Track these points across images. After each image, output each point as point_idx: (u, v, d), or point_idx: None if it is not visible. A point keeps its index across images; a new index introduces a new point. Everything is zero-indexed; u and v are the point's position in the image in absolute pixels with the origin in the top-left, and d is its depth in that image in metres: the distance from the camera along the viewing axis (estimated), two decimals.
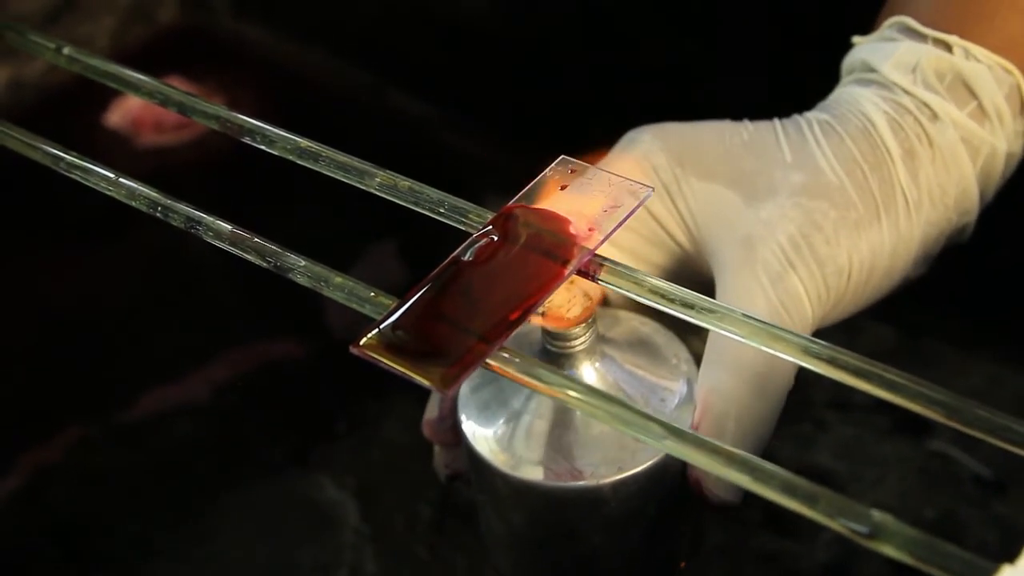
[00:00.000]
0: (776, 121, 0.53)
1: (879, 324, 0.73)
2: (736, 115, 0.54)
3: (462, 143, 0.93)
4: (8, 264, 0.87)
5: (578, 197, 0.42)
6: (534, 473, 0.45)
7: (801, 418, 0.68)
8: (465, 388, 0.48)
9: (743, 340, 0.37)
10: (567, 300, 0.44)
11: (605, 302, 0.54)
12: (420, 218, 0.44)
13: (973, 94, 0.51)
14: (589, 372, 0.46)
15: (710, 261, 0.51)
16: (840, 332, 0.55)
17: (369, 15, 1.00)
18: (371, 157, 0.45)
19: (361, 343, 0.37)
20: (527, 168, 0.44)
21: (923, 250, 0.52)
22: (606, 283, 0.40)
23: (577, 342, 0.45)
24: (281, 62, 1.03)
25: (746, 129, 0.52)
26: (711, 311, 0.38)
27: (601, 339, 0.47)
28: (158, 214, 0.44)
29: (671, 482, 0.46)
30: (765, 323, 0.37)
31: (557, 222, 0.41)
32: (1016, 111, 0.52)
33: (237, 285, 0.83)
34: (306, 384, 0.78)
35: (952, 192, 0.51)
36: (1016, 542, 0.33)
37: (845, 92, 0.53)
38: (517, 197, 0.42)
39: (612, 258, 0.50)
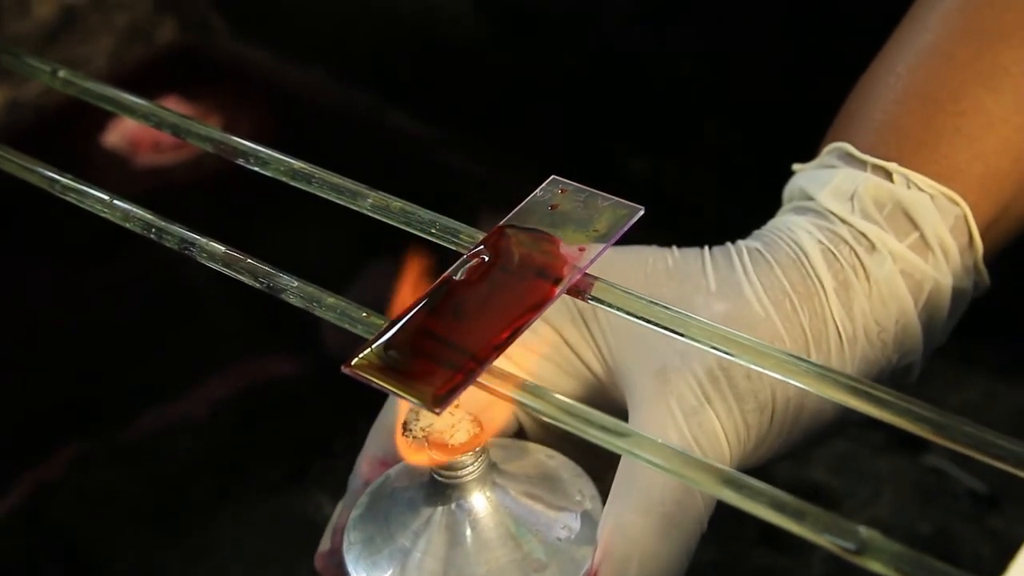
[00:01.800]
0: (705, 249, 0.50)
1: None
2: (734, 141, 0.54)
3: (459, 163, 0.94)
4: (8, 283, 0.87)
5: (568, 217, 0.42)
6: None
7: None
8: (352, 519, 0.45)
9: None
10: (450, 425, 0.42)
11: (520, 434, 0.51)
12: (416, 237, 0.44)
13: (915, 225, 0.48)
14: (480, 503, 0.43)
15: (625, 392, 0.47)
16: None
17: (367, 36, 1.01)
18: (369, 176, 0.46)
19: (353, 363, 0.38)
20: (524, 187, 0.44)
21: None
22: (597, 301, 0.40)
23: (464, 472, 0.43)
24: (279, 82, 1.03)
25: (671, 255, 0.49)
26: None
27: (495, 469, 0.44)
28: (152, 235, 0.44)
29: None
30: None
31: (547, 242, 0.41)
32: (964, 244, 0.49)
33: (235, 304, 0.83)
34: (304, 402, 0.78)
35: (891, 328, 0.48)
36: (1011, 557, 0.33)
37: (780, 220, 0.50)
38: (508, 217, 0.42)
39: (525, 383, 0.48)
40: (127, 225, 0.45)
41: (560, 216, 0.42)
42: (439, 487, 0.44)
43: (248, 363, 0.81)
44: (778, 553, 0.63)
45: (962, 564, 0.62)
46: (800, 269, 0.48)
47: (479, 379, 0.37)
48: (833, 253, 0.48)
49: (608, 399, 0.49)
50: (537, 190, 0.43)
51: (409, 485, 0.45)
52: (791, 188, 0.52)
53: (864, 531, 0.32)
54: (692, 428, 0.45)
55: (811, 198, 0.50)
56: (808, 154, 0.54)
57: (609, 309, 0.40)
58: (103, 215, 0.46)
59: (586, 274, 0.40)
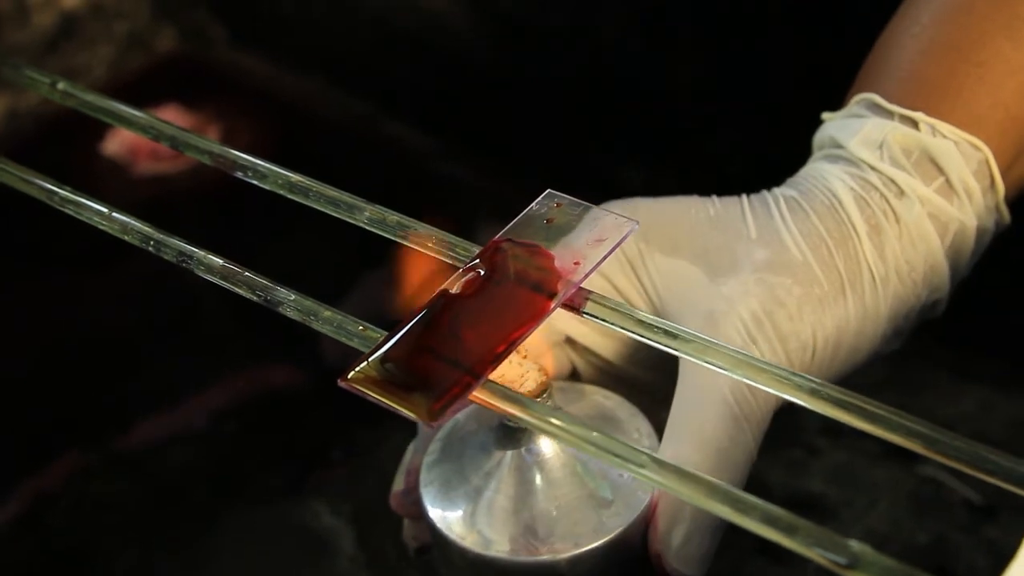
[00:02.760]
0: (743, 197, 0.53)
1: None
2: (731, 149, 0.54)
3: (456, 173, 0.94)
4: (6, 293, 0.87)
5: (564, 231, 0.42)
6: (491, 548, 0.44)
7: (793, 444, 0.68)
8: (427, 463, 0.48)
9: (723, 371, 0.38)
10: (520, 375, 0.44)
11: (574, 375, 0.54)
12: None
13: (940, 170, 0.51)
14: (547, 445, 0.45)
15: None
16: None
17: (365, 46, 1.01)
18: (366, 186, 0.46)
19: (349, 376, 0.38)
20: (520, 197, 0.45)
21: (892, 326, 0.51)
22: (592, 316, 0.40)
23: None
24: (278, 91, 1.03)
25: (713, 205, 0.52)
26: (690, 341, 0.38)
27: (559, 413, 0.46)
28: (150, 248, 0.44)
29: (631, 557, 0.46)
30: (743, 354, 0.37)
31: (543, 256, 0.41)
32: (986, 186, 0.52)
33: (234, 314, 0.83)
34: (302, 412, 0.79)
35: (920, 268, 0.51)
36: (1007, 567, 0.33)
37: (813, 168, 0.53)
38: (504, 231, 0.42)
39: (578, 335, 0.50)
40: (126, 237, 0.45)
41: (555, 230, 0.42)
42: (509, 431, 0.46)
43: (247, 373, 0.81)
44: (775, 564, 0.63)
45: (958, 574, 0.62)
46: (835, 215, 0.51)
47: (477, 393, 0.38)
48: (865, 199, 0.51)
49: None
50: (533, 204, 0.43)
51: (479, 429, 0.48)
52: (821, 136, 0.55)
53: (855, 545, 0.32)
54: None
55: (841, 146, 0.53)
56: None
57: (603, 323, 0.40)
58: (102, 227, 0.46)
59: (580, 288, 0.40)
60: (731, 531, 0.46)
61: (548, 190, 0.44)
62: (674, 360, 0.49)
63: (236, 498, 0.74)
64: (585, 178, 0.57)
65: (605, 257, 0.41)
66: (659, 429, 0.48)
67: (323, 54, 1.04)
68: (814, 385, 0.37)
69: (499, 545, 0.44)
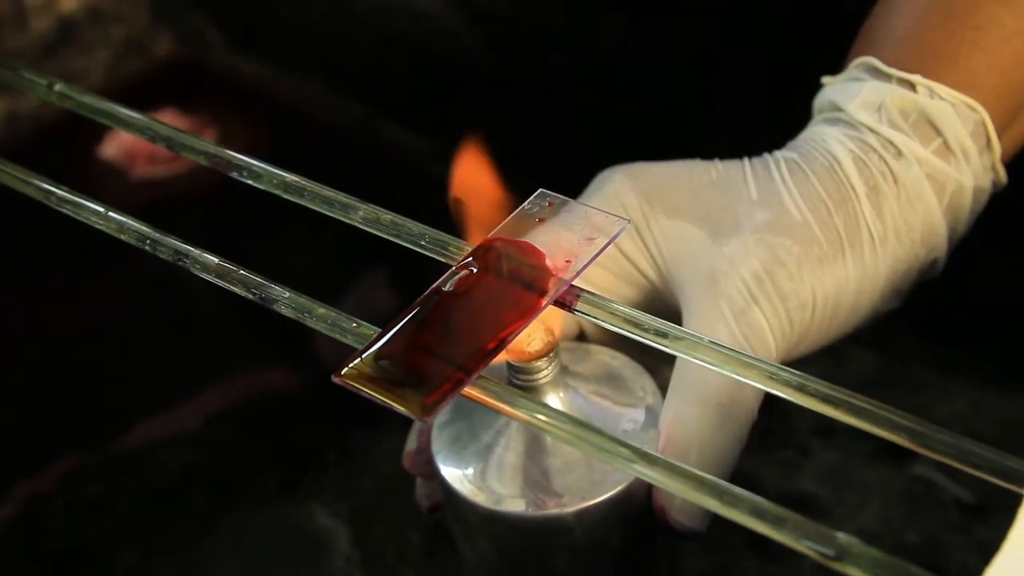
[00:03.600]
0: (745, 160, 0.54)
1: (863, 350, 0.74)
2: (728, 151, 0.55)
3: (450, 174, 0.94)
4: (3, 294, 0.87)
5: (555, 229, 0.42)
6: (500, 502, 0.46)
7: (785, 444, 0.69)
8: (438, 422, 0.49)
9: (712, 367, 0.38)
10: (528, 334, 0.44)
11: (581, 336, 0.55)
12: (409, 249, 0.45)
13: (938, 131, 0.52)
14: (554, 403, 0.46)
15: (678, 296, 0.51)
16: (826, 358, 0.56)
17: (362, 50, 1.02)
18: (363, 189, 0.46)
19: (343, 372, 0.38)
20: (516, 199, 0.45)
21: (891, 285, 0.52)
22: (582, 313, 0.41)
23: (540, 375, 0.46)
24: (275, 95, 1.04)
25: (715, 168, 0.53)
26: (681, 339, 0.39)
27: (566, 372, 0.48)
28: (147, 247, 0.45)
29: (637, 510, 0.47)
30: (733, 350, 0.38)
31: (535, 254, 0.42)
32: (982, 147, 0.53)
33: (230, 315, 0.84)
34: (298, 413, 0.79)
35: (918, 228, 0.52)
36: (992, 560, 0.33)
37: (813, 131, 0.54)
38: (496, 229, 0.43)
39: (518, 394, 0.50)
40: (122, 237, 0.46)
41: (547, 228, 0.43)
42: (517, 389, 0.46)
43: (243, 375, 0.82)
44: (767, 562, 0.63)
45: (949, 573, 0.63)
46: (834, 177, 0.52)
47: (469, 389, 0.38)
48: (864, 160, 0.52)
49: (662, 303, 0.53)
50: (525, 203, 0.44)
51: None
52: (820, 100, 0.56)
53: (843, 537, 0.33)
54: (741, 326, 0.49)
55: (841, 109, 0.54)
56: None
57: (596, 320, 0.40)
58: (98, 227, 0.46)
59: (572, 286, 0.41)
60: (723, 529, 0.47)
61: (540, 189, 0.44)
62: (678, 319, 0.50)
63: (232, 499, 0.74)
64: (580, 181, 0.57)
65: (596, 255, 0.41)
66: (664, 387, 0.49)
67: (320, 58, 1.04)
68: (801, 381, 0.37)
69: (509, 501, 0.46)
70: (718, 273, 0.50)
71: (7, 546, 0.74)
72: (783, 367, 0.38)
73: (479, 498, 0.46)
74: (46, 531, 0.74)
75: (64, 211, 0.47)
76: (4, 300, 0.87)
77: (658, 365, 0.50)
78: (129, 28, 1.06)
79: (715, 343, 0.39)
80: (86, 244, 0.78)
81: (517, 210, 0.43)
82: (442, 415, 0.49)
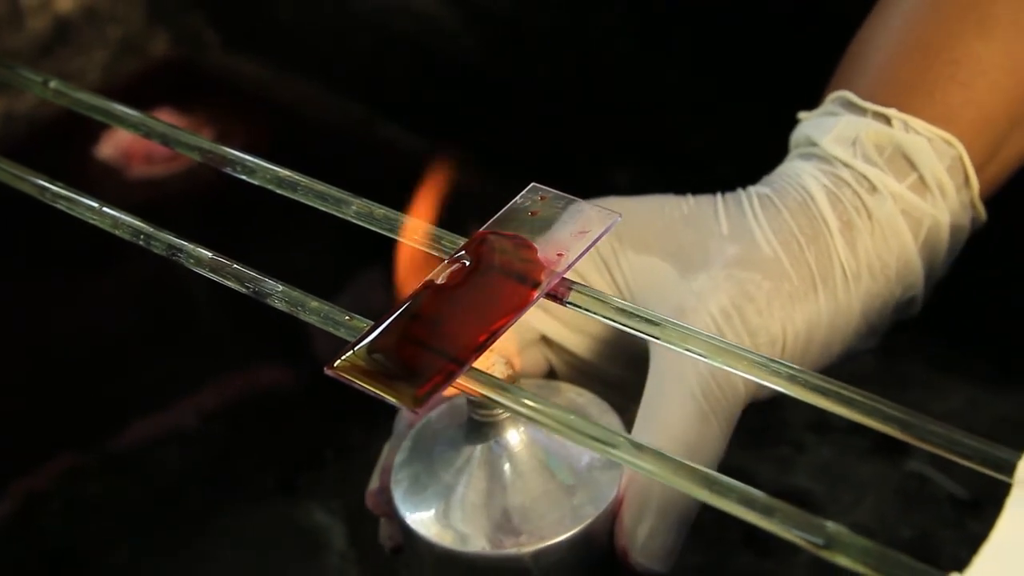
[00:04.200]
0: (718, 195, 0.53)
1: None
2: (719, 149, 0.55)
3: (451, 175, 0.94)
4: (1, 294, 0.87)
5: (548, 223, 0.43)
6: (459, 543, 0.44)
7: (779, 440, 0.69)
8: (397, 461, 0.48)
9: (702, 358, 0.38)
10: (486, 367, 0.43)
11: (551, 374, 0.54)
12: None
13: (913, 166, 0.51)
14: (515, 439, 0.46)
15: None
16: None
17: (359, 49, 1.02)
18: (360, 188, 0.46)
19: (335, 365, 0.39)
20: (511, 198, 0.45)
21: (865, 322, 0.51)
22: (574, 305, 0.41)
23: (499, 410, 0.45)
24: (271, 95, 1.04)
25: (687, 203, 0.52)
26: (670, 328, 0.39)
27: (536, 396, 0.46)
28: (140, 242, 0.45)
29: (598, 551, 0.46)
30: (723, 341, 0.38)
31: (527, 247, 0.42)
32: (960, 183, 0.52)
33: (226, 315, 0.84)
34: (295, 412, 0.79)
35: (893, 264, 0.51)
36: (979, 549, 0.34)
37: (788, 167, 0.53)
38: (489, 223, 0.43)
39: (551, 331, 0.51)
40: (116, 232, 0.46)
41: (539, 222, 0.43)
42: (477, 426, 0.46)
43: (240, 374, 0.82)
44: (762, 557, 0.63)
45: (942, 567, 0.63)
46: (806, 212, 0.51)
47: (459, 380, 0.38)
48: (837, 195, 0.51)
49: (630, 337, 0.51)
50: (517, 197, 0.44)
51: (450, 425, 0.48)
52: (797, 135, 0.55)
53: (831, 526, 0.33)
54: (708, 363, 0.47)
55: (815, 144, 0.53)
56: None
57: (586, 313, 0.41)
58: (93, 222, 0.46)
59: (564, 279, 0.41)
60: (716, 524, 0.47)
61: (533, 183, 0.44)
62: (646, 354, 0.49)
63: (229, 497, 0.74)
64: (574, 179, 0.57)
65: (588, 248, 0.42)
66: (631, 426, 0.48)
67: (317, 58, 1.04)
68: (792, 371, 0.37)
69: (468, 541, 0.44)
70: (686, 308, 0.49)
71: (5, 544, 0.74)
72: (772, 359, 0.37)
73: (438, 539, 0.45)
74: (43, 529, 0.74)
75: (58, 207, 0.47)
76: (3, 300, 0.87)
77: (626, 404, 0.49)
78: (125, 28, 1.06)
79: (703, 334, 0.39)
80: (84, 244, 0.78)
81: (509, 204, 0.44)
82: (401, 453, 0.48)
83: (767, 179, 0.53)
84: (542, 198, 0.44)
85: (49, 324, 0.86)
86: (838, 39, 0.58)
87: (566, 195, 0.44)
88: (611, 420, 0.48)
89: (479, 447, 0.46)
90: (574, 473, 0.45)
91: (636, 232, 0.51)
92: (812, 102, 0.57)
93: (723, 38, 0.83)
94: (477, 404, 0.45)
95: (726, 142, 0.81)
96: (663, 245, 0.51)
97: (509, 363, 0.45)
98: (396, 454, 0.48)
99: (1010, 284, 0.73)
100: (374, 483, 0.50)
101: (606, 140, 0.88)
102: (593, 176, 0.86)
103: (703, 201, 0.52)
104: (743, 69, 0.82)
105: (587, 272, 0.52)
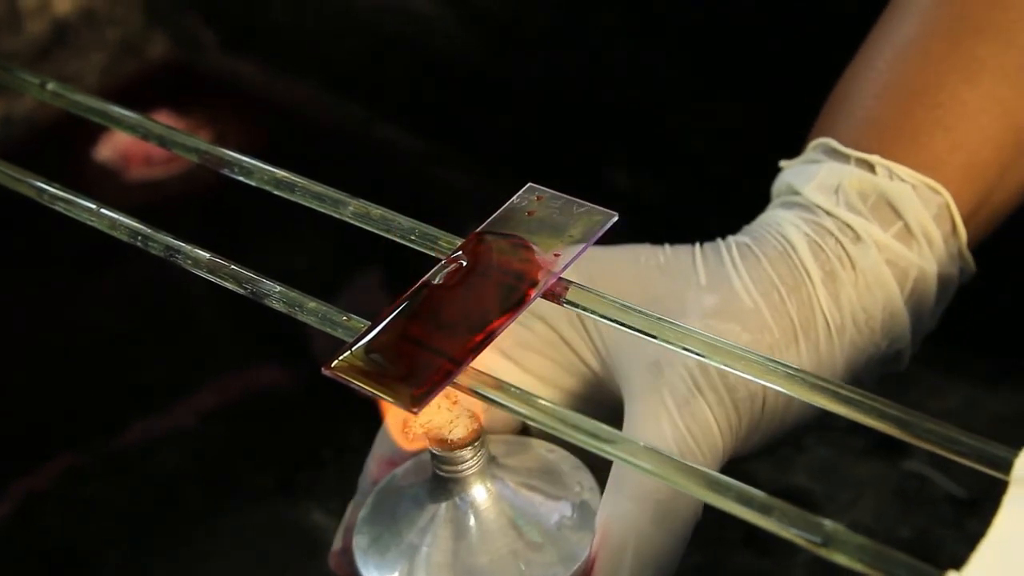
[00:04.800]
0: (696, 245, 0.51)
1: None
2: (715, 150, 0.55)
3: (446, 175, 0.94)
4: (1, 294, 0.88)
5: (544, 223, 0.43)
6: None
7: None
8: (360, 519, 0.46)
9: (701, 359, 0.38)
10: (448, 421, 0.43)
11: (524, 431, 0.52)
12: (403, 249, 0.45)
13: (898, 214, 0.49)
14: (481, 495, 0.44)
15: (621, 386, 0.48)
16: None
17: (356, 50, 1.02)
18: (358, 189, 0.46)
19: (333, 365, 0.39)
20: (508, 198, 0.45)
21: (850, 376, 0.49)
22: (572, 304, 0.41)
23: (464, 466, 0.44)
24: (270, 97, 1.04)
25: (663, 253, 0.50)
26: (668, 328, 0.39)
27: (495, 463, 0.45)
28: (138, 243, 0.45)
29: None
30: (721, 341, 0.38)
31: (524, 248, 0.42)
32: (948, 232, 0.50)
33: (225, 315, 0.84)
34: (293, 412, 0.79)
35: (878, 316, 0.49)
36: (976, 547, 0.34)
37: (769, 215, 0.52)
38: (486, 224, 0.43)
39: (522, 384, 0.48)
40: (114, 233, 0.46)
41: (536, 222, 0.43)
42: (441, 482, 0.45)
43: (237, 373, 0.82)
44: (761, 556, 0.63)
45: (941, 567, 0.63)
46: (788, 261, 0.49)
47: (457, 380, 0.38)
48: (819, 245, 0.49)
49: (605, 393, 0.50)
50: (514, 197, 0.44)
51: (414, 482, 0.46)
52: (779, 184, 0.53)
53: (829, 524, 0.33)
54: (685, 418, 0.46)
55: (797, 192, 0.51)
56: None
57: (584, 312, 0.41)
58: (91, 223, 0.46)
59: (561, 278, 0.41)
60: (716, 524, 0.47)
61: (529, 183, 0.44)
62: (621, 410, 0.48)
63: (227, 497, 0.74)
64: (570, 180, 0.57)
65: (585, 248, 0.42)
66: (604, 486, 0.46)
67: (314, 59, 1.04)
68: (789, 371, 0.37)
69: None
70: (661, 362, 0.46)
71: (5, 544, 0.74)
72: (771, 359, 0.37)
73: None
74: (42, 529, 0.74)
75: (56, 208, 0.47)
76: (3, 301, 0.87)
77: (599, 461, 0.46)
78: (123, 30, 1.06)
79: (701, 333, 0.38)
80: (78, 245, 0.79)
81: (506, 204, 0.44)
82: (364, 512, 0.47)
83: (747, 228, 0.52)
84: (539, 198, 0.44)
85: (48, 325, 0.86)
86: (838, 39, 0.58)
87: (563, 195, 0.44)
88: (583, 477, 0.46)
89: (444, 504, 0.44)
90: (542, 531, 0.44)
91: (611, 283, 0.48)
92: (812, 103, 0.56)
93: (723, 38, 0.83)
94: (441, 460, 0.44)
95: (725, 142, 0.82)
96: (638, 296, 0.48)
97: (474, 416, 0.44)
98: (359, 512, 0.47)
99: (1007, 283, 0.73)
100: (337, 543, 0.49)
101: (605, 140, 0.88)
102: (591, 176, 0.86)
103: (680, 251, 0.50)
104: (743, 69, 0.82)
105: (559, 325, 0.50)
